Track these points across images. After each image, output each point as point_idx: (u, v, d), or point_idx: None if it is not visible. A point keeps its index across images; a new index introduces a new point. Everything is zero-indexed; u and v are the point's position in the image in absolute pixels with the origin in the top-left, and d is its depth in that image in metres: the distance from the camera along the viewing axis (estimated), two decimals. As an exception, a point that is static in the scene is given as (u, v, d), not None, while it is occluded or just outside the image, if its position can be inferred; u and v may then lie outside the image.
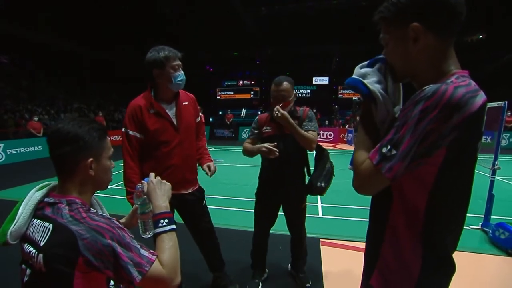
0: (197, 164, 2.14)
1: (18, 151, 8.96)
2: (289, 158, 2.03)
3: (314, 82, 22.67)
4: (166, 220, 0.93)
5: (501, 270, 2.68)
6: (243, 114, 22.29)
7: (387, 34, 0.82)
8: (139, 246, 0.83)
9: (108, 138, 0.98)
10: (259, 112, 20.61)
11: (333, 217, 3.96)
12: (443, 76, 0.74)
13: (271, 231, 2.33)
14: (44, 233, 0.80)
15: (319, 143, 2.05)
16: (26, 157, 9.06)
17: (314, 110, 2.21)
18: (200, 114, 2.18)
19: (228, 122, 16.49)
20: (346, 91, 21.19)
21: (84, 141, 0.87)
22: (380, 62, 0.88)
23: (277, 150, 1.86)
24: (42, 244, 0.79)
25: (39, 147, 9.43)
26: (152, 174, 1.06)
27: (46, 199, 0.89)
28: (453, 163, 0.70)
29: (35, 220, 0.86)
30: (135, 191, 1.04)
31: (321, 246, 3.01)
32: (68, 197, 0.87)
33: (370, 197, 0.90)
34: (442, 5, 0.70)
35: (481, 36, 16.55)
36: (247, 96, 23.71)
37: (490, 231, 3.09)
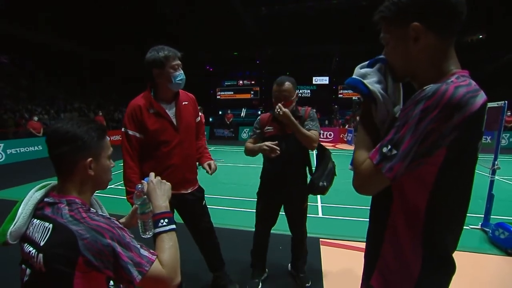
0: (197, 164, 2.14)
1: (18, 151, 8.96)
2: (291, 157, 2.03)
3: (314, 82, 22.68)
4: (166, 220, 0.93)
5: (500, 270, 2.68)
6: (243, 114, 22.29)
7: (387, 34, 0.82)
8: (139, 246, 0.83)
9: (107, 138, 0.97)
10: (259, 112, 20.64)
11: (333, 217, 3.96)
12: (444, 76, 0.74)
13: (271, 231, 2.33)
14: (44, 233, 0.80)
15: (319, 143, 2.05)
16: (26, 157, 9.06)
17: (314, 110, 2.21)
18: (200, 114, 2.17)
19: (228, 122, 16.50)
20: (346, 91, 21.19)
21: (82, 141, 0.87)
22: (380, 62, 0.88)
23: (278, 148, 1.86)
24: (42, 244, 0.79)
25: (39, 147, 9.43)
26: (152, 174, 1.05)
27: (46, 199, 0.89)
28: (453, 163, 0.70)
29: (35, 220, 0.86)
30: (135, 191, 1.04)
31: (321, 246, 3.01)
32: (67, 197, 0.87)
33: (370, 197, 0.89)
34: (442, 4, 0.70)
35: (481, 36, 16.55)
36: (247, 96, 23.72)
37: (490, 231, 3.09)
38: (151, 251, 0.85)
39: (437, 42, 0.74)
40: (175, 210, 1.99)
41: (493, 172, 3.25)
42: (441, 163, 0.70)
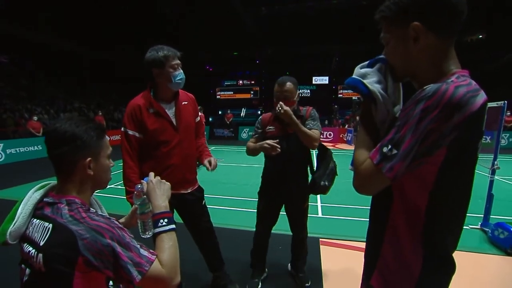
0: (197, 164, 2.14)
1: (18, 151, 8.95)
2: (292, 157, 2.04)
3: (314, 82, 22.69)
4: (165, 220, 0.93)
5: (500, 270, 2.68)
6: (242, 113, 22.30)
7: (387, 33, 0.82)
8: (138, 246, 0.83)
9: (107, 137, 0.97)
10: (259, 112, 20.65)
11: (333, 217, 3.96)
12: (444, 75, 0.74)
13: (271, 231, 2.33)
14: (44, 233, 0.80)
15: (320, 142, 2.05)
16: (25, 157, 9.05)
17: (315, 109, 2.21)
18: (200, 113, 2.17)
19: (227, 122, 16.50)
20: (346, 91, 21.20)
21: (81, 140, 0.87)
22: (380, 62, 0.88)
23: (279, 146, 1.86)
24: (41, 244, 0.79)
25: (38, 146, 9.42)
26: (151, 174, 1.05)
27: (45, 199, 0.89)
28: (453, 163, 0.70)
29: (35, 220, 0.86)
30: (135, 191, 1.03)
31: (321, 246, 3.01)
32: (67, 196, 0.87)
33: (370, 197, 0.89)
34: (443, 4, 0.70)
35: (481, 36, 16.55)
36: (247, 96, 23.72)
37: (490, 231, 3.09)
38: (151, 251, 0.85)
39: (437, 42, 0.74)
40: (174, 210, 1.99)
41: (493, 172, 3.25)
42: (442, 163, 0.70)
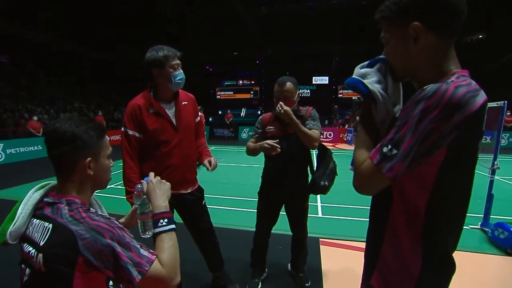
0: (197, 164, 2.14)
1: (18, 151, 8.95)
2: (293, 157, 2.04)
3: (314, 82, 22.70)
4: (165, 220, 0.93)
5: (500, 270, 2.68)
6: (242, 113, 22.31)
7: (388, 33, 0.82)
8: (138, 246, 0.83)
9: (107, 137, 0.97)
10: (259, 112, 20.64)
11: (333, 217, 3.96)
12: (444, 75, 0.74)
13: (271, 231, 2.33)
14: (44, 233, 0.80)
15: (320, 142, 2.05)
16: (25, 157, 9.05)
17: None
18: (200, 113, 2.17)
19: (227, 122, 16.50)
20: (346, 91, 21.21)
21: (81, 140, 0.87)
22: (380, 62, 0.88)
23: (278, 146, 1.86)
24: (41, 244, 0.79)
25: (38, 146, 9.42)
26: (151, 174, 1.05)
27: (45, 199, 0.89)
28: (453, 163, 0.70)
29: (35, 220, 0.86)
30: (135, 191, 1.03)
31: (321, 246, 3.01)
32: (67, 196, 0.87)
33: (370, 197, 0.89)
34: (443, 4, 0.70)
35: (481, 36, 16.55)
36: (247, 95, 23.72)
37: (490, 231, 3.09)
38: (151, 251, 0.85)
39: (437, 42, 0.74)
40: (174, 210, 1.99)
41: (493, 172, 3.25)
42: (441, 163, 0.70)
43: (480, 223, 3.39)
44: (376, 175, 0.74)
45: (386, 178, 0.72)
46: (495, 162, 3.19)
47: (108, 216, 0.87)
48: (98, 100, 17.47)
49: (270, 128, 2.10)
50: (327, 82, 22.48)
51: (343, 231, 3.40)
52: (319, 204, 4.43)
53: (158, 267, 0.82)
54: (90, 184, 0.93)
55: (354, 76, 0.89)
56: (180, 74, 1.79)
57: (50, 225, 0.81)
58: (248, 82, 23.82)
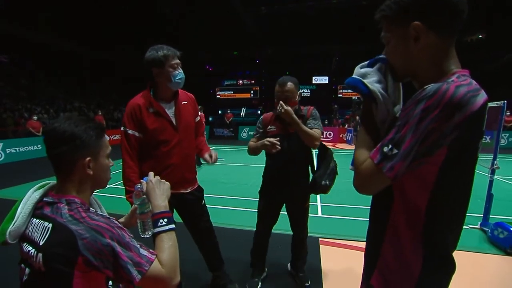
0: (196, 164, 2.13)
1: (18, 150, 8.95)
2: (294, 157, 2.04)
3: (314, 82, 22.69)
4: (165, 220, 0.93)
5: (500, 269, 2.68)
6: (242, 113, 22.32)
7: (388, 33, 0.82)
8: (138, 246, 0.83)
9: (106, 137, 0.97)
10: (259, 112, 20.65)
11: (333, 217, 3.96)
12: (444, 75, 0.74)
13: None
14: (44, 233, 0.80)
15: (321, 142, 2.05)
16: (25, 156, 9.05)
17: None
18: (200, 113, 2.17)
19: (227, 122, 16.49)
20: (346, 91, 21.22)
21: (81, 140, 0.86)
22: (380, 62, 0.88)
23: (278, 143, 1.87)
24: (41, 243, 0.79)
25: (38, 146, 9.42)
26: (151, 174, 1.05)
27: (45, 199, 0.88)
28: (454, 162, 0.70)
29: (34, 219, 0.85)
30: (134, 191, 1.03)
31: (321, 246, 3.01)
32: (67, 196, 0.87)
33: (370, 196, 0.89)
34: (443, 3, 0.70)
35: (481, 36, 16.55)
36: (247, 95, 23.72)
37: (489, 231, 3.09)
38: (151, 250, 0.85)
39: (438, 42, 0.74)
40: (174, 210, 1.99)
41: (492, 172, 3.25)
42: (442, 163, 0.70)
43: (479, 223, 3.39)
44: (377, 174, 0.74)
45: (386, 177, 0.72)
46: (495, 162, 3.18)
47: (108, 216, 0.87)
48: (98, 100, 17.48)
49: (271, 128, 2.10)
50: (327, 82, 22.49)
51: (343, 231, 3.40)
52: (319, 203, 4.43)
53: (158, 267, 0.82)
54: (89, 184, 0.93)
55: (354, 76, 0.89)
56: (180, 74, 1.79)
57: (50, 225, 0.80)
58: (248, 82, 23.82)
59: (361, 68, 0.90)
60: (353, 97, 1.03)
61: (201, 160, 7.48)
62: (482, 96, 0.67)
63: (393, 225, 0.82)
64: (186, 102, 1.97)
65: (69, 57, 17.26)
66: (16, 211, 0.86)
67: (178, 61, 1.79)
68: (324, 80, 22.54)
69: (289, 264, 2.53)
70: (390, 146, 0.71)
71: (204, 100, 11.26)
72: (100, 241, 0.77)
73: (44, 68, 16.48)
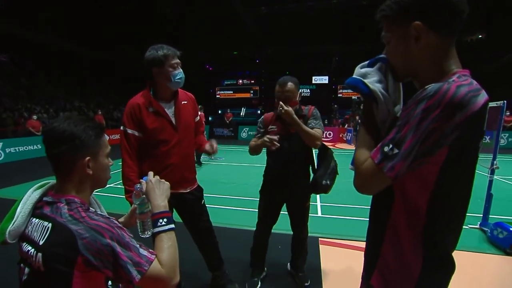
0: (196, 164, 2.13)
1: (17, 150, 8.96)
2: (294, 157, 2.04)
3: (313, 82, 22.69)
4: (165, 220, 0.93)
5: (499, 269, 2.69)
6: (242, 113, 22.32)
7: (388, 33, 0.82)
8: (138, 246, 0.83)
9: (105, 136, 0.97)
10: (259, 112, 20.64)
11: (332, 216, 3.96)
12: (445, 75, 0.74)
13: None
14: (43, 232, 0.80)
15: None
16: (25, 156, 9.06)
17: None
18: (200, 113, 2.17)
19: (227, 121, 16.49)
20: (346, 91, 21.22)
21: (80, 140, 0.86)
22: (380, 62, 0.88)
23: (277, 138, 1.87)
24: (41, 243, 0.79)
25: (38, 145, 9.42)
26: (151, 173, 1.05)
27: (44, 198, 0.88)
28: (455, 162, 0.70)
29: (34, 219, 0.85)
30: (134, 191, 1.03)
31: (320, 245, 3.01)
32: (67, 196, 0.87)
33: (370, 196, 0.89)
34: (444, 3, 0.70)
35: (481, 36, 16.55)
36: (247, 95, 23.71)
37: (489, 231, 3.09)
38: (150, 250, 0.85)
39: (438, 41, 0.74)
40: (174, 210, 1.99)
41: (492, 172, 3.25)
42: (443, 163, 0.70)
43: (479, 223, 3.39)
44: (378, 174, 0.74)
45: (387, 177, 0.72)
46: (495, 162, 3.19)
47: (108, 216, 0.87)
48: (98, 99, 17.47)
49: (272, 128, 2.10)
50: (327, 81, 22.48)
51: (342, 231, 3.40)
52: (318, 203, 4.43)
53: (157, 267, 0.82)
54: (89, 183, 0.93)
55: (354, 76, 0.89)
56: (179, 73, 1.79)
57: (50, 225, 0.80)
58: (248, 82, 23.81)
59: (361, 68, 0.90)
60: (353, 97, 1.03)
61: (201, 160, 7.52)
62: (483, 96, 0.67)
63: (393, 225, 0.82)
64: (186, 102, 1.96)
65: (69, 57, 17.24)
66: (16, 210, 0.86)
67: (178, 60, 1.79)
68: (324, 80, 22.53)
69: (288, 263, 2.53)
70: (390, 146, 0.71)
71: (204, 100, 11.26)
72: (100, 241, 0.77)
73: (44, 68, 16.46)
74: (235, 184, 5.68)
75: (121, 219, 1.16)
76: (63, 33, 15.70)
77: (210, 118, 18.98)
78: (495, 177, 3.33)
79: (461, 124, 0.65)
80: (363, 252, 0.96)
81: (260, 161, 2.24)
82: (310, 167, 2.16)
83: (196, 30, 17.02)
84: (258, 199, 2.29)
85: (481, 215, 3.39)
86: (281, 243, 2.84)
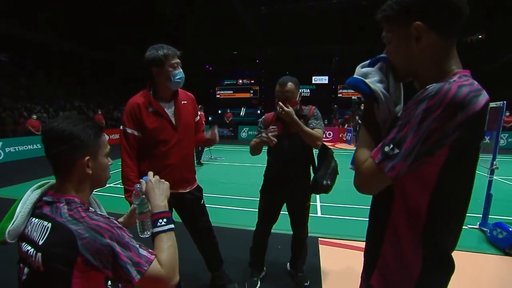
0: (196, 163, 2.13)
1: (17, 149, 8.94)
2: (294, 157, 2.04)
3: (313, 82, 22.68)
4: (164, 220, 0.93)
5: (499, 270, 2.69)
6: (242, 113, 22.31)
7: (389, 33, 0.82)
8: (138, 246, 0.83)
9: (105, 136, 0.97)
10: (259, 112, 20.64)
11: (332, 216, 3.96)
12: (446, 75, 0.74)
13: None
14: (43, 232, 0.80)
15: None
16: (24, 155, 9.04)
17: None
18: (200, 112, 2.17)
19: (227, 121, 16.48)
20: (346, 91, 21.22)
21: (79, 139, 0.86)
22: (381, 61, 0.87)
23: (275, 130, 1.87)
24: (40, 243, 0.79)
25: (37, 145, 9.40)
26: (150, 173, 1.05)
27: (44, 198, 0.88)
28: (455, 163, 0.70)
29: (33, 219, 0.85)
30: (134, 191, 1.03)
31: (320, 245, 3.01)
32: (66, 196, 0.87)
33: (370, 196, 0.89)
34: (445, 4, 0.70)
35: (481, 36, 16.56)
36: (247, 95, 23.69)
37: (488, 231, 3.09)
38: (150, 250, 0.85)
39: (439, 42, 0.74)
40: (173, 209, 1.99)
41: (492, 172, 3.26)
42: (443, 163, 0.70)
43: (478, 223, 3.39)
44: (378, 174, 0.73)
45: (387, 177, 0.72)
46: (494, 162, 3.19)
47: (107, 216, 0.87)
48: (98, 99, 17.47)
49: (272, 128, 2.10)
50: (327, 82, 22.47)
51: (342, 231, 3.40)
52: (318, 203, 4.43)
53: (157, 267, 0.82)
54: (89, 183, 0.92)
55: (355, 75, 0.89)
56: (179, 73, 1.79)
57: (49, 224, 0.80)
58: (248, 82, 23.80)
59: (362, 67, 0.90)
60: (353, 97, 1.03)
61: (202, 160, 7.52)
62: (484, 96, 0.67)
63: (393, 225, 0.82)
64: (185, 102, 1.96)
65: (69, 57, 17.23)
66: (15, 210, 0.85)
67: (178, 60, 1.79)
68: (324, 80, 22.52)
69: (288, 263, 2.53)
70: (391, 146, 0.71)
71: (204, 100, 11.25)
72: (100, 241, 0.77)
73: (44, 68, 16.45)
74: (235, 184, 5.68)
75: (121, 219, 1.16)
76: (63, 33, 15.68)
77: (210, 118, 18.97)
78: (494, 177, 3.33)
79: (462, 124, 0.65)
80: (362, 252, 0.96)
81: (261, 161, 2.24)
82: (311, 167, 2.16)
83: (196, 30, 17.01)
84: (258, 199, 2.29)
85: (481, 215, 3.39)
86: (281, 243, 2.84)
